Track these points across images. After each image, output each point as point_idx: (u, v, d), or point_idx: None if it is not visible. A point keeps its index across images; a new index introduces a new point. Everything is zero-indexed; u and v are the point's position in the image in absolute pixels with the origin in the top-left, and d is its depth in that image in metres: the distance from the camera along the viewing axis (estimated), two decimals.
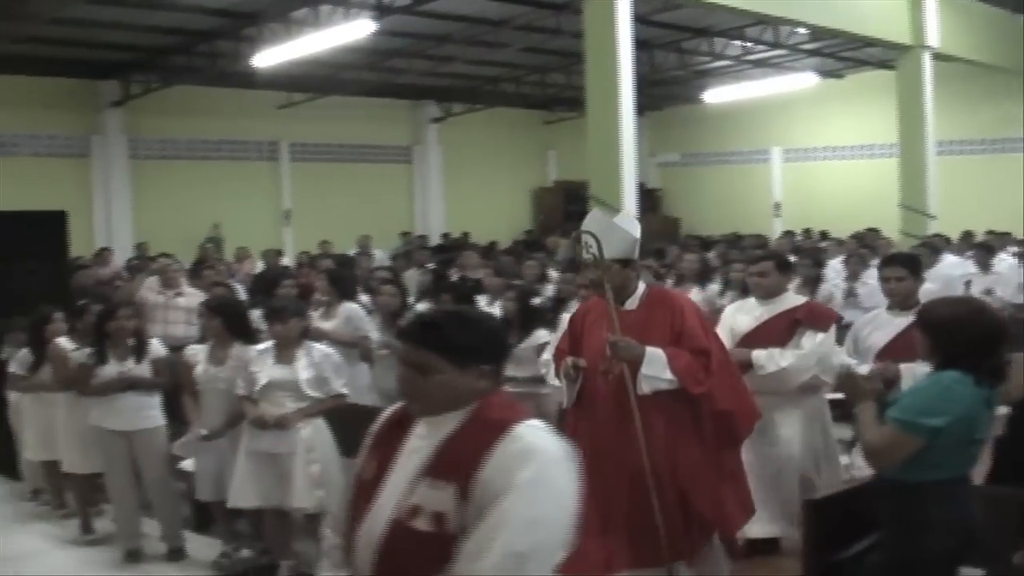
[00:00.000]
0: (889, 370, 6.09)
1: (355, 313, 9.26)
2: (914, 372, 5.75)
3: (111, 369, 7.53)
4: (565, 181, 28.87)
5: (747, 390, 6.13)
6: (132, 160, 23.09)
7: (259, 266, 17.61)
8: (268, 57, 18.49)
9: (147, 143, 23.29)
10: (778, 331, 6.91)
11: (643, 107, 21.07)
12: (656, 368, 5.67)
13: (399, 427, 3.25)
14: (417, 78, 24.49)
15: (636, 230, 5.98)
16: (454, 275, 13.41)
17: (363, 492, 3.22)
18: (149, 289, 12.04)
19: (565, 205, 27.99)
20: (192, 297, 11.42)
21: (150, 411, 7.58)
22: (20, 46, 18.29)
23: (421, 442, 3.13)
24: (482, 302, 10.12)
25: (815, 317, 6.97)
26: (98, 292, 11.15)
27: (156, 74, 21.88)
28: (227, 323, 7.43)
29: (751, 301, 7.28)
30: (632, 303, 5.91)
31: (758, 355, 6.80)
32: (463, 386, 3.09)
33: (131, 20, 18.43)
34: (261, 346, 7.15)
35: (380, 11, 16.89)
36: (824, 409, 7.08)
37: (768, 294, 7.09)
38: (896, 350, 6.31)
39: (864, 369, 6.17)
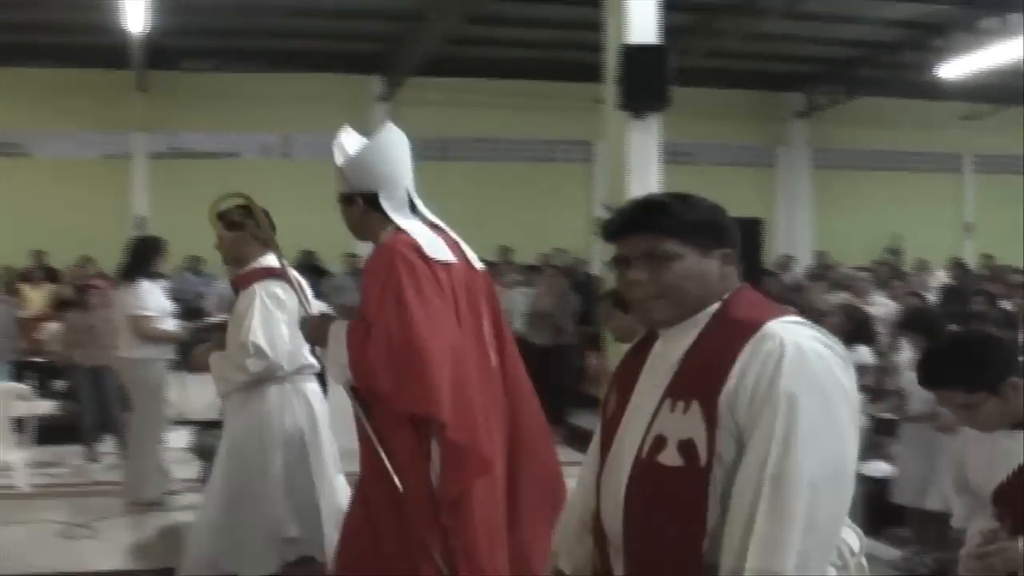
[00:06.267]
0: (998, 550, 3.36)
1: None
2: None
3: None
4: None
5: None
6: (815, 170, 23.35)
7: (940, 277, 17.17)
8: (953, 67, 17.98)
9: (830, 154, 23.42)
10: None
11: None
12: (338, 350, 4.30)
13: (637, 355, 2.69)
14: None
15: (349, 148, 4.51)
16: None
17: (605, 435, 2.69)
18: (823, 297, 12.12)
19: None
20: (881, 307, 11.29)
21: None
22: (712, 60, 19.01)
23: (660, 361, 2.56)
24: None
25: None
26: (785, 298, 11.35)
27: (841, 86, 21.88)
28: (926, 335, 7.22)
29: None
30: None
31: None
32: (709, 273, 2.50)
33: (817, 33, 18.68)
34: None
35: None
36: None
37: None
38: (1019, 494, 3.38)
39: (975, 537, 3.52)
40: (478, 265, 4.64)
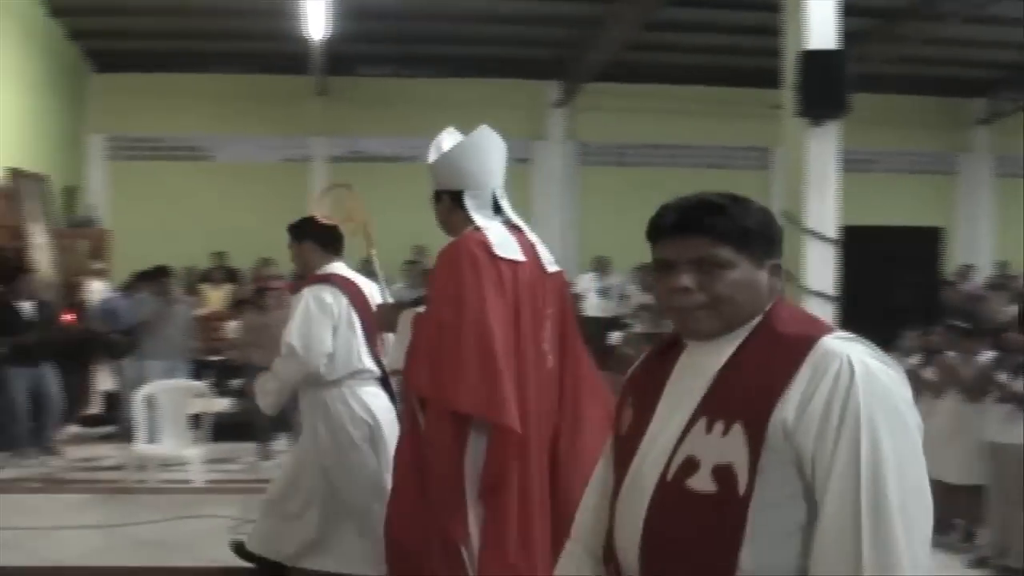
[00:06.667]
0: None
1: None
2: None
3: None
4: None
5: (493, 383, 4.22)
6: (997, 178, 22.57)
7: None
8: None
9: (1014, 161, 22.62)
10: None
11: None
12: (404, 338, 4.48)
13: (659, 363, 2.41)
14: None
15: (444, 147, 4.74)
16: None
17: (620, 454, 2.40)
18: (1002, 308, 11.83)
19: None
20: None
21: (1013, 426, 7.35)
22: (892, 65, 18.58)
23: (690, 374, 2.29)
24: None
25: None
26: (965, 309, 11.08)
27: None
28: None
29: None
30: None
31: None
32: (759, 285, 2.26)
33: (1000, 38, 18.02)
34: None
35: None
36: None
37: None
38: None
39: None
40: (551, 268, 4.68)
